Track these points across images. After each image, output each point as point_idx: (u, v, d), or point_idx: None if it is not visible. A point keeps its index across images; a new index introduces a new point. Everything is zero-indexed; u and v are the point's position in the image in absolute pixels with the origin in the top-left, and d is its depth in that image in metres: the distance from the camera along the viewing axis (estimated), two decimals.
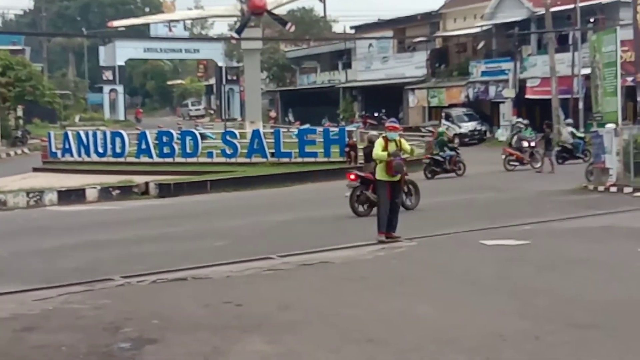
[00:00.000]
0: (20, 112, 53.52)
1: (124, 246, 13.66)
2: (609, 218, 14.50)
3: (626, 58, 24.75)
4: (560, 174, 24.69)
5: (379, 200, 12.46)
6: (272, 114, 69.89)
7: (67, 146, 36.15)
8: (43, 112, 59.29)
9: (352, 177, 16.46)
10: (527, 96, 43.94)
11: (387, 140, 12.46)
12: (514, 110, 44.21)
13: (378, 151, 12.45)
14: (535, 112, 43.91)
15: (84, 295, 9.12)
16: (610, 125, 19.76)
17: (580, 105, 39.72)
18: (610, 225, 13.51)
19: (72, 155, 35.82)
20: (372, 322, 7.33)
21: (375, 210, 14.50)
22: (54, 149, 36.61)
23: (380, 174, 12.49)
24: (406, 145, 12.83)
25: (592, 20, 38.40)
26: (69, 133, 37.52)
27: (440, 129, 30.08)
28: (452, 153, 26.92)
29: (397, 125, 12.93)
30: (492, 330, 6.89)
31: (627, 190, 18.64)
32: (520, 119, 30.80)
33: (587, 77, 31.95)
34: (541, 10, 41.41)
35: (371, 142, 16.07)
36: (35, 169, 35.00)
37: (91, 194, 24.99)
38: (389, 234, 12.34)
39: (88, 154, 35.51)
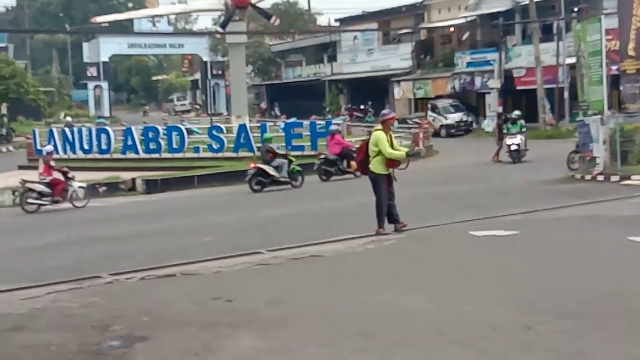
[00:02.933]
0: (4, 110, 53.15)
1: (112, 243, 13.60)
2: (597, 207, 14.54)
3: (611, 47, 24.79)
4: (544, 163, 24.79)
5: (379, 195, 12.27)
6: (263, 105, 70.03)
7: (52, 143, 35.96)
8: (27, 109, 58.92)
9: None
10: (515, 87, 44.03)
11: (388, 132, 12.39)
12: (499, 100, 44.31)
13: (389, 149, 12.15)
14: (521, 102, 43.98)
15: (72, 294, 9.05)
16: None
17: (566, 94, 39.87)
18: (599, 214, 13.54)
19: (57, 153, 35.64)
20: (363, 316, 7.30)
21: None
22: (39, 147, 36.41)
23: (379, 169, 12.22)
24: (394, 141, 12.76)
25: (575, 9, 38.46)
26: (54, 130, 37.33)
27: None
28: None
29: (394, 115, 12.96)
30: (484, 321, 6.87)
31: (614, 178, 18.71)
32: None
33: (571, 67, 32.06)
34: (525, 0, 41.52)
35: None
36: (20, 167, 34.79)
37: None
38: (401, 224, 12.36)
39: (74, 150, 35.34)
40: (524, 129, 26.57)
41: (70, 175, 21.05)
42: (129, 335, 7.02)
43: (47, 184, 20.60)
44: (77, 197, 21.03)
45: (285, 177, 22.67)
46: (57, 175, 20.90)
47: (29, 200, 20.54)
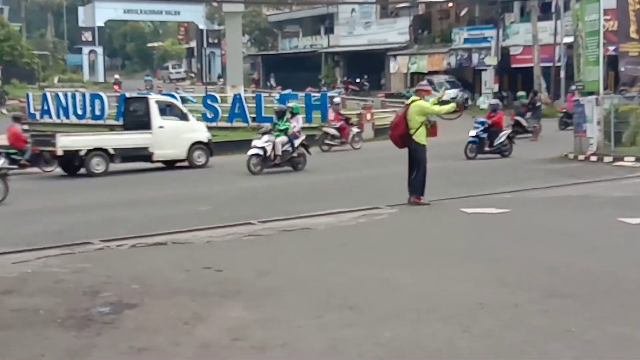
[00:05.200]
0: None
1: (104, 210, 13.59)
2: (588, 187, 14.58)
3: (609, 27, 24.70)
4: (543, 142, 24.86)
5: (423, 166, 12.37)
6: (255, 75, 69.87)
7: (45, 107, 35.83)
8: (21, 72, 58.62)
9: None
10: (511, 65, 43.91)
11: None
12: (496, 78, 44.21)
13: (437, 107, 12.41)
14: (517, 80, 43.94)
15: (63, 259, 9.05)
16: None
17: (562, 73, 39.81)
18: (591, 195, 13.58)
19: (50, 117, 35.52)
20: (352, 289, 7.33)
21: None
22: (32, 110, 36.28)
23: (423, 139, 12.33)
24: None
25: None
26: (48, 94, 37.16)
27: None
28: None
29: (430, 88, 13.03)
30: (471, 298, 6.90)
31: (607, 159, 18.75)
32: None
33: (569, 46, 32.00)
34: None
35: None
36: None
37: None
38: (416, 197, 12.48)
39: (67, 115, 35.20)
40: (289, 127, 19.66)
41: (351, 121, 26.46)
42: (118, 302, 7.03)
43: (337, 129, 25.10)
44: (356, 140, 26.06)
45: (531, 128, 26.76)
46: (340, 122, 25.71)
47: (326, 142, 25.28)
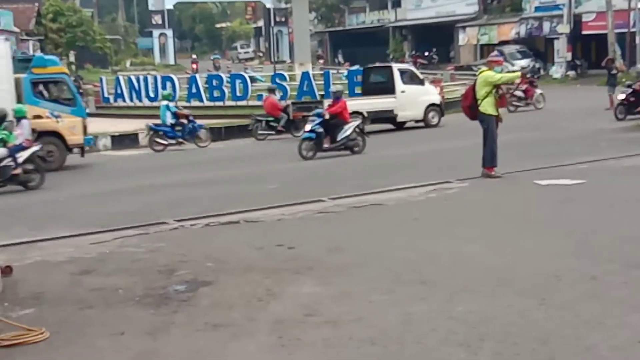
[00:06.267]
0: (72, 58, 53.97)
1: (177, 190, 13.81)
2: None
3: None
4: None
5: (492, 136, 12.33)
6: (321, 52, 69.90)
7: (119, 91, 36.47)
8: (94, 57, 59.71)
9: None
10: (582, 32, 42.79)
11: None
12: (568, 46, 43.16)
13: (498, 75, 12.29)
14: (590, 47, 42.83)
15: (139, 239, 9.25)
16: None
17: (637, 39, 38.64)
18: None
19: (124, 100, 36.16)
20: (424, 264, 7.30)
21: None
22: (106, 94, 36.97)
23: (490, 110, 12.29)
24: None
25: None
26: (121, 78, 37.79)
27: None
28: None
29: (501, 59, 12.97)
30: (547, 270, 6.79)
31: None
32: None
33: None
34: None
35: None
36: (88, 114, 35.29)
37: (144, 138, 25.21)
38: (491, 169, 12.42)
39: (140, 98, 35.77)
40: (8, 137, 15.51)
41: (535, 84, 28.76)
42: (193, 280, 7.16)
43: (523, 91, 27.51)
44: (539, 101, 27.93)
45: None
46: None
47: (513, 103, 26.80)
